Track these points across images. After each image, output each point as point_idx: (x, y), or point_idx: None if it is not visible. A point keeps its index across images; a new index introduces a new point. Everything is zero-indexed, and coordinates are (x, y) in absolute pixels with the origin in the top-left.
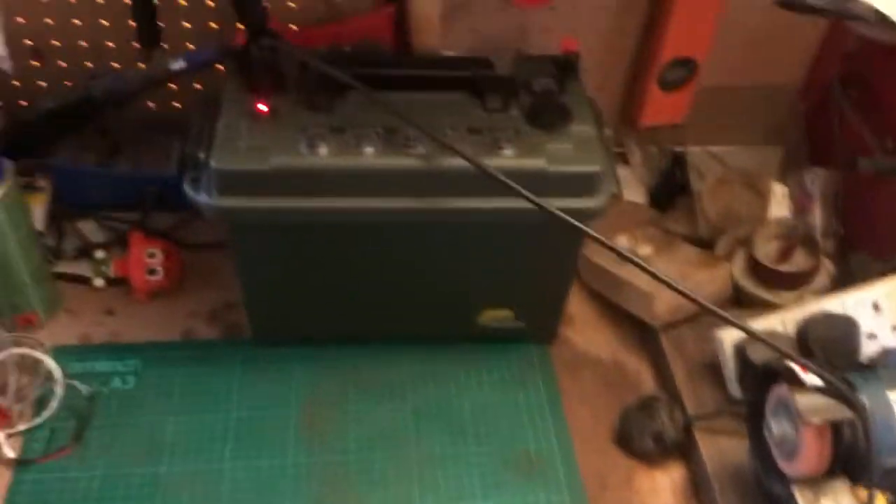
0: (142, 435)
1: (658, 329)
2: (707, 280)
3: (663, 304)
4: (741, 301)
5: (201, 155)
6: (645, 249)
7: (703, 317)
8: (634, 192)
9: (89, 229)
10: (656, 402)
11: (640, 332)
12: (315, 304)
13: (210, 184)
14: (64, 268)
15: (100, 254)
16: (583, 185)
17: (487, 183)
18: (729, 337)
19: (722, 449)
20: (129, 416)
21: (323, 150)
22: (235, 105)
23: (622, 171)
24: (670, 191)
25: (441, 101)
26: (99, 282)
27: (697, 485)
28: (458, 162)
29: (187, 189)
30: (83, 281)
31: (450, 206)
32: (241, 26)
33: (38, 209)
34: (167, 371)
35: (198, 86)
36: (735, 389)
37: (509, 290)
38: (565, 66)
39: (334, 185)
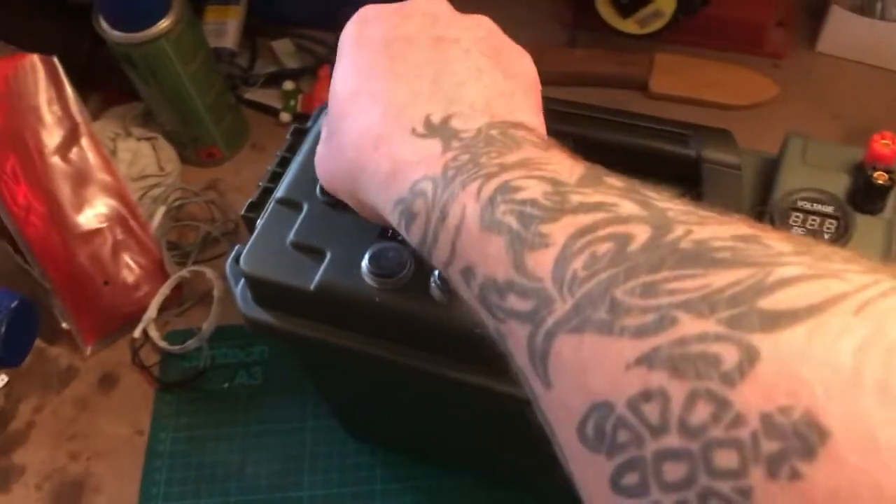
0: None
1: None
2: None
3: None
4: None
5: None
6: None
7: None
8: None
9: (284, 51)
10: None
11: None
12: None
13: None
14: (253, 95)
15: (289, 85)
16: None
17: None
18: None
19: None
20: None
21: None
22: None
23: None
24: None
25: None
26: (285, 116)
27: None
28: None
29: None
30: (272, 112)
31: None
32: None
33: (232, 24)
34: None
35: None
36: None
37: None
38: None
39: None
